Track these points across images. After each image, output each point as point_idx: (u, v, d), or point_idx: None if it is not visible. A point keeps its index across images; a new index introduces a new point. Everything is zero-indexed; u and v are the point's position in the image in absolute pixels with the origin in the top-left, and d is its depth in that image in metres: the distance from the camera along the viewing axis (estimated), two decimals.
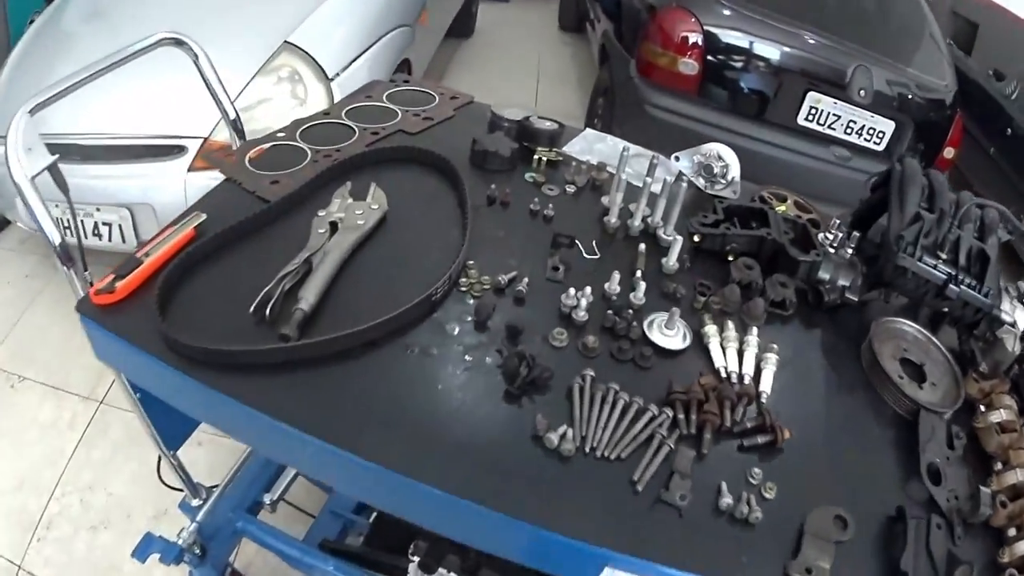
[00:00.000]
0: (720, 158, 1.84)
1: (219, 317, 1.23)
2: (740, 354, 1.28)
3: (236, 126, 1.89)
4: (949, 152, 4.30)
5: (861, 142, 4.10)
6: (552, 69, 6.81)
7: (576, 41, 7.38)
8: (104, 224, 2.77)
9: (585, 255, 1.51)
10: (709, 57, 3.88)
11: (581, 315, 1.30)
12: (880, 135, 4.09)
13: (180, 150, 2.74)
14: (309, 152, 1.65)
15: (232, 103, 1.84)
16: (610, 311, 1.31)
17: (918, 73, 4.15)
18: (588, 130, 2.00)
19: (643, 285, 1.38)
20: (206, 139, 2.73)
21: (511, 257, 1.46)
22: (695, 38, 3.86)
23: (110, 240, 2.81)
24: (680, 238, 1.45)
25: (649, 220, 1.59)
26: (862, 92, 3.92)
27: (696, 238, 1.50)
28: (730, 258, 1.49)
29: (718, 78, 3.96)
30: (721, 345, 1.29)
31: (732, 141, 3.81)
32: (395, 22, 3.63)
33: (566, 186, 1.74)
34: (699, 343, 1.31)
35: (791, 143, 4.01)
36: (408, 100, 1.96)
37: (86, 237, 2.77)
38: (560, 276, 1.42)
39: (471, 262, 1.41)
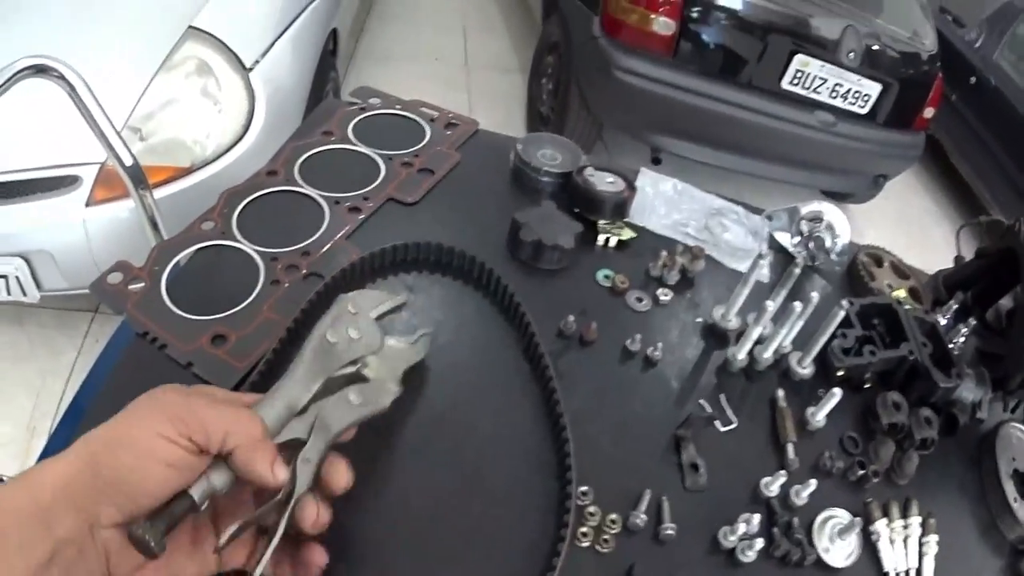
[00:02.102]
0: (831, 228, 1.36)
1: None
2: (905, 541, 0.98)
3: (134, 175, 1.38)
4: (928, 112, 4.09)
5: (846, 106, 3.82)
6: (478, 17, 6.14)
7: None
8: None
9: (721, 428, 1.03)
10: (687, 14, 3.42)
11: (749, 557, 0.88)
12: (866, 98, 3.83)
13: (74, 181, 2.17)
14: (261, 265, 1.06)
15: (120, 137, 1.34)
16: (775, 528, 0.91)
17: (902, 32, 3.91)
18: (643, 171, 1.42)
19: (804, 476, 0.98)
20: (103, 165, 2.15)
21: (622, 450, 0.97)
22: None
23: (8, 293, 2.30)
24: (837, 393, 1.02)
25: (769, 341, 1.12)
26: (851, 54, 3.62)
27: (840, 372, 1.12)
28: (866, 386, 1.15)
29: (696, 38, 3.53)
30: (890, 539, 0.97)
31: (710, 107, 3.51)
32: None
33: (658, 291, 1.17)
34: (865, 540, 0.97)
35: (774, 108, 3.67)
36: (383, 135, 1.35)
37: None
38: (703, 481, 0.95)
39: (584, 489, 0.89)
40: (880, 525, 0.97)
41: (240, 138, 2.31)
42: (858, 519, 0.93)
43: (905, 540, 0.98)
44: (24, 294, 2.28)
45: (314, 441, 0.76)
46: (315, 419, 0.77)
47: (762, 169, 3.86)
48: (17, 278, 2.24)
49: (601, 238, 1.22)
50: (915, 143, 4.10)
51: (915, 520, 0.99)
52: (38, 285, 2.28)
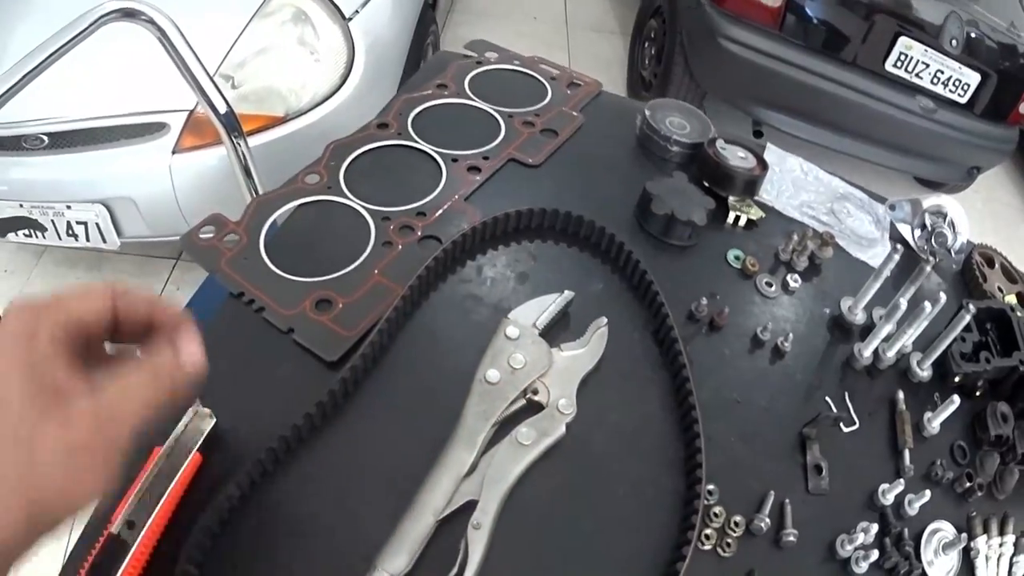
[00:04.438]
0: (953, 224, 1.27)
1: None
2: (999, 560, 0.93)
3: (228, 122, 1.34)
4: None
5: (946, 93, 3.64)
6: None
7: None
8: (78, 223, 2.20)
9: (844, 429, 0.96)
10: None
11: (862, 568, 0.83)
12: (965, 87, 3.65)
13: (161, 128, 2.09)
14: (372, 224, 1.00)
15: (214, 83, 1.30)
16: (886, 539, 0.86)
17: (1000, 22, 3.72)
18: (770, 147, 1.35)
19: (918, 484, 0.94)
20: (191, 112, 2.08)
21: (748, 447, 0.91)
22: None
23: (87, 240, 2.25)
24: (956, 400, 0.97)
25: (894, 340, 1.05)
26: (954, 41, 3.47)
27: (957, 378, 1.05)
28: (977, 393, 1.08)
29: (803, 13, 3.40)
30: (986, 555, 0.92)
31: (815, 84, 3.41)
32: None
33: (787, 276, 1.10)
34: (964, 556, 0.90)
35: (877, 90, 3.53)
36: (502, 92, 1.28)
37: (59, 238, 2.25)
38: (824, 485, 0.89)
39: (710, 488, 0.83)
40: (980, 542, 0.93)
41: (337, 89, 2.22)
42: (964, 535, 0.88)
43: (999, 558, 0.94)
44: (104, 241, 2.25)
45: (485, 501, 0.72)
46: (485, 474, 0.73)
47: (860, 150, 3.73)
48: (97, 224, 2.21)
49: (731, 216, 1.16)
50: (1010, 137, 3.94)
51: (1010, 538, 0.95)
52: (119, 232, 2.24)
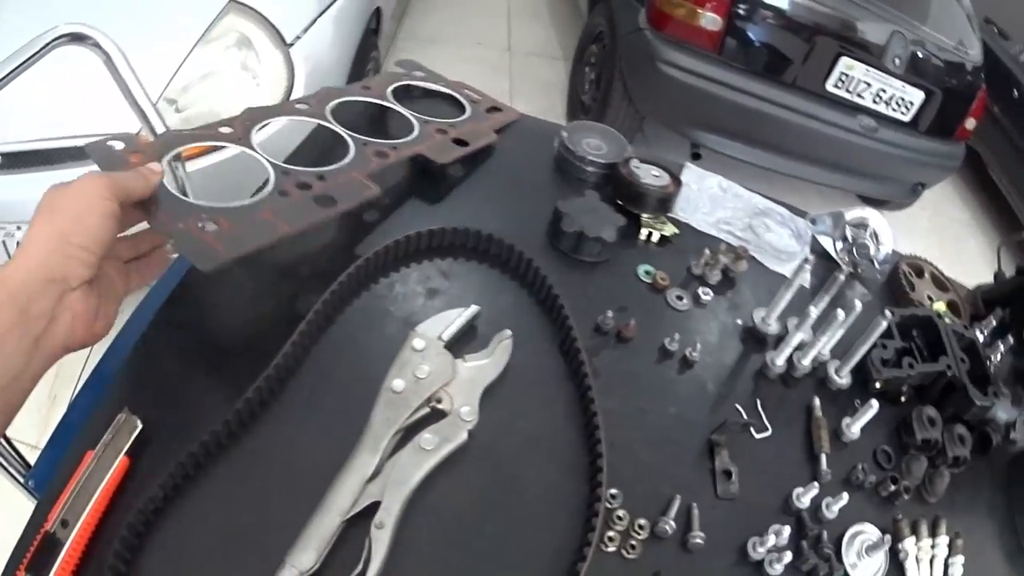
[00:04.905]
0: (876, 236, 1.32)
1: None
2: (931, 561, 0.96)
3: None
4: (970, 123, 3.99)
5: (888, 112, 3.72)
6: (522, 4, 5.99)
7: None
8: None
9: (756, 435, 0.99)
10: (734, 10, 3.34)
11: (776, 570, 0.84)
12: (908, 105, 3.73)
13: None
14: (272, 174, 0.99)
15: (154, 107, 1.28)
16: (803, 541, 0.88)
17: (947, 41, 3.82)
18: (688, 166, 1.39)
19: (836, 489, 0.96)
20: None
21: (655, 453, 0.93)
22: None
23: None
24: (875, 405, 1.00)
25: (808, 348, 1.09)
26: (897, 60, 3.54)
27: (878, 384, 1.08)
28: (903, 399, 1.12)
29: (743, 36, 3.44)
30: (916, 558, 0.94)
31: (754, 106, 3.42)
32: None
33: (699, 289, 1.13)
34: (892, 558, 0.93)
35: (817, 111, 3.58)
36: (423, 104, 1.32)
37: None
38: (734, 489, 0.91)
39: (613, 492, 0.85)
40: (908, 543, 0.95)
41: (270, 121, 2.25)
42: (887, 537, 0.90)
43: (931, 560, 0.96)
44: None
45: (388, 502, 0.75)
46: (389, 477, 0.77)
47: (801, 171, 3.77)
48: None
49: (643, 232, 1.19)
50: (955, 153, 4.01)
51: (943, 540, 0.97)
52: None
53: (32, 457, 1.23)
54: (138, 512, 0.70)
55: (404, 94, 1.33)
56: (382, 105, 1.26)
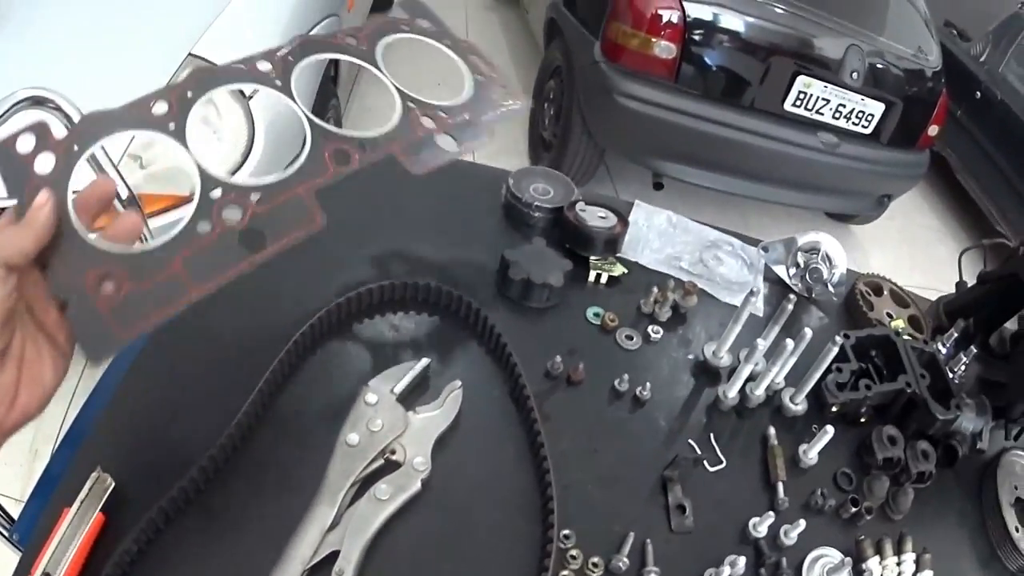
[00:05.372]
0: (828, 259, 1.35)
1: None
2: None
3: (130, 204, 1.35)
4: (933, 130, 4.03)
5: (849, 126, 3.77)
6: (480, 41, 6.02)
7: (502, 7, 6.61)
8: None
9: (710, 468, 1.01)
10: (688, 37, 3.37)
11: None
12: (869, 118, 3.77)
13: None
14: (197, 185, 0.73)
15: (117, 170, 1.32)
16: (762, 569, 0.90)
17: (906, 49, 3.86)
18: (637, 204, 1.41)
19: (795, 515, 0.97)
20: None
21: (608, 492, 0.96)
22: (672, 15, 3.32)
23: None
24: (830, 430, 1.02)
25: (761, 378, 1.12)
26: (854, 74, 3.58)
27: (834, 408, 1.11)
28: (862, 420, 1.14)
29: (698, 62, 3.47)
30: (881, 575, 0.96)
31: (713, 131, 3.44)
32: (321, 12, 2.87)
33: (649, 328, 1.16)
34: None
35: (777, 131, 3.61)
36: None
37: None
38: (689, 523, 0.93)
39: (566, 532, 0.87)
40: (872, 563, 0.96)
41: (239, 167, 2.25)
42: (848, 559, 0.91)
43: None
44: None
45: (347, 551, 0.78)
46: (347, 526, 0.80)
47: (766, 192, 3.80)
48: None
49: (592, 275, 1.21)
50: (920, 162, 4.05)
51: (909, 556, 0.98)
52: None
53: (15, 511, 1.24)
54: (114, 565, 0.73)
55: (399, 48, 1.04)
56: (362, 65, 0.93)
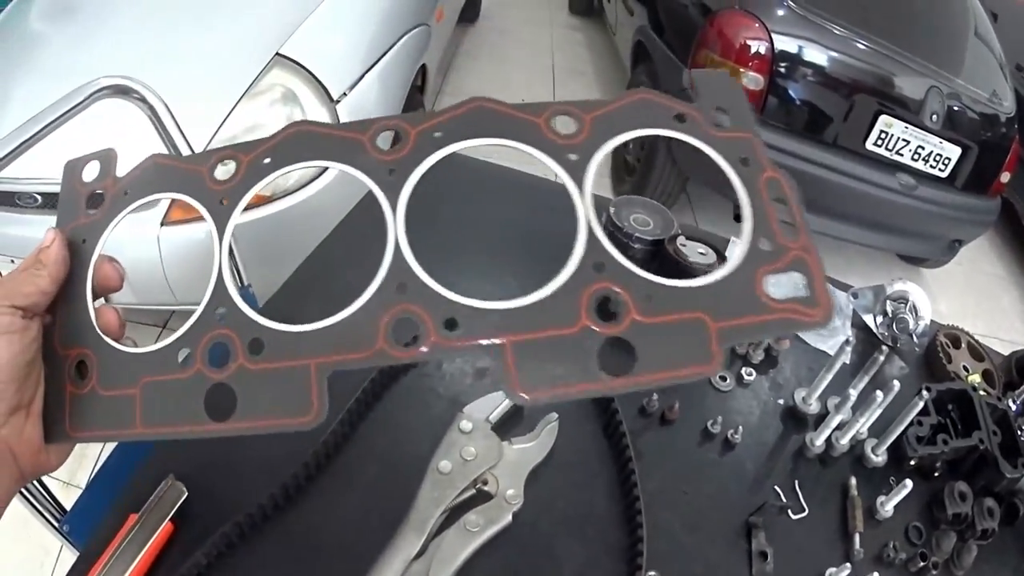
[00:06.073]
0: (915, 309, 1.32)
1: None
2: None
3: None
4: (1005, 176, 3.95)
5: (927, 169, 3.68)
6: (565, 58, 6.03)
7: (588, 26, 6.61)
8: None
9: (793, 516, 1.00)
10: (775, 69, 3.32)
11: None
12: (946, 161, 3.69)
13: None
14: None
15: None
16: None
17: (981, 93, 3.78)
18: (734, 240, 1.40)
19: (869, 567, 0.97)
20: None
21: (694, 535, 0.95)
22: (760, 47, 3.28)
23: None
24: (908, 484, 1.01)
25: (847, 427, 1.10)
26: (934, 116, 3.51)
27: (912, 461, 1.10)
28: (936, 474, 1.13)
29: (784, 95, 3.41)
30: None
31: (795, 166, 3.39)
32: (411, 21, 2.89)
33: (742, 369, 1.15)
34: None
35: (857, 170, 3.53)
36: None
37: None
38: (769, 569, 0.93)
39: (652, 574, 0.86)
40: None
41: (323, 171, 2.23)
42: None
43: None
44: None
45: None
46: (433, 557, 0.79)
47: (843, 231, 3.72)
48: None
49: None
50: (991, 208, 3.97)
51: None
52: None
53: (60, 493, 1.25)
54: None
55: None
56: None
